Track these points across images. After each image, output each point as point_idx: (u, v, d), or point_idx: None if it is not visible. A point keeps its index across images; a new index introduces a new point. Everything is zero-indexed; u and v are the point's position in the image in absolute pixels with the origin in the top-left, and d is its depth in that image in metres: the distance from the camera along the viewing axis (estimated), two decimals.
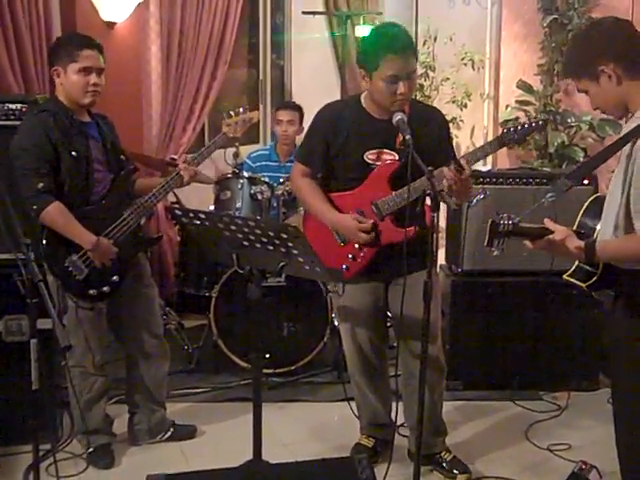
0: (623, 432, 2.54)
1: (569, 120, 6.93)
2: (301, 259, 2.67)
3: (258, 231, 2.66)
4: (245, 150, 5.41)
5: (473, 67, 7.38)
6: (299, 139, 4.83)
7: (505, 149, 7.35)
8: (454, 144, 3.39)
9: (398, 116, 3.03)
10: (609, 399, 4.20)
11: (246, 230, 2.68)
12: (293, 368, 4.45)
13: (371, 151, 3.22)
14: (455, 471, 3.48)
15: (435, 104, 6.41)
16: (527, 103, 7.10)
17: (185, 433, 3.83)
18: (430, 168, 2.95)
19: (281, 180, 4.73)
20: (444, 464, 3.50)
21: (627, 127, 2.46)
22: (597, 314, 4.27)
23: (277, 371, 4.39)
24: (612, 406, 2.57)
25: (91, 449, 3.58)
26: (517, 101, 7.10)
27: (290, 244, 2.62)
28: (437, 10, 7.28)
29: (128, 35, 5.23)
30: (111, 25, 5.13)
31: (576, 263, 2.54)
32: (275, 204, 4.71)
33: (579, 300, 4.22)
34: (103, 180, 3.44)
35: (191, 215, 2.81)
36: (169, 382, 3.87)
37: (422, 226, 3.24)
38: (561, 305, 4.27)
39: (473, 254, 4.25)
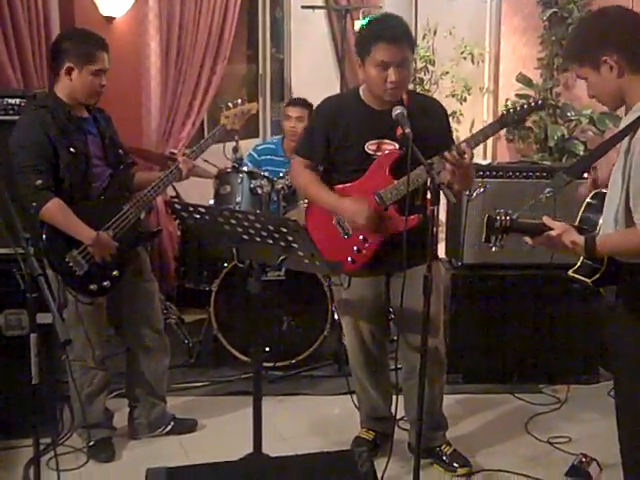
0: (625, 427, 2.54)
1: (569, 114, 6.93)
2: (301, 253, 2.67)
3: (258, 225, 2.66)
4: (245, 144, 5.41)
5: (473, 61, 7.38)
6: None
7: (505, 142, 7.37)
8: (454, 138, 3.38)
9: (398, 110, 3.03)
10: (609, 392, 4.25)
11: (246, 224, 2.68)
12: (293, 362, 4.45)
13: (371, 142, 3.22)
14: (455, 464, 3.48)
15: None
16: (527, 97, 7.08)
17: (185, 427, 3.83)
18: (430, 161, 2.95)
19: (281, 174, 4.72)
20: (444, 457, 3.51)
21: (626, 120, 2.46)
22: (597, 307, 4.27)
23: (277, 365, 4.40)
24: (614, 400, 2.57)
25: (91, 443, 3.59)
26: (517, 95, 7.09)
27: (290, 238, 2.62)
28: (437, 4, 7.28)
29: (127, 30, 5.22)
30: (110, 20, 5.12)
31: (581, 259, 2.54)
32: (275, 198, 4.71)
33: (579, 293, 4.23)
34: (102, 175, 3.44)
35: (191, 209, 2.81)
36: (169, 376, 3.88)
37: (425, 216, 3.23)
38: (561, 298, 4.27)
39: (473, 248, 4.25)
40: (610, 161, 2.54)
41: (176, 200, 4.67)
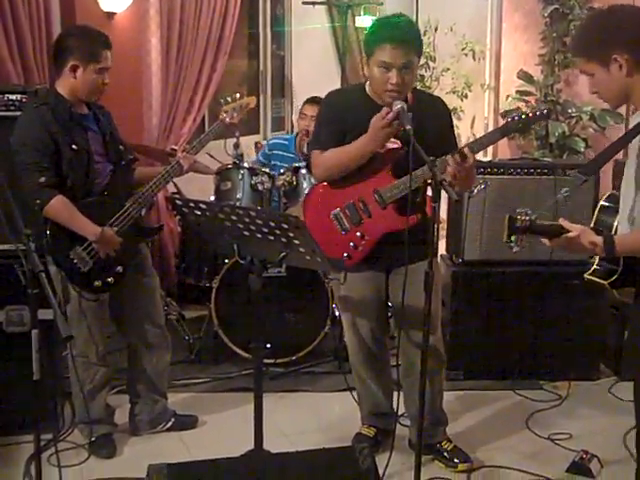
0: None
1: (570, 110, 6.93)
2: (302, 249, 2.67)
3: (259, 221, 2.66)
4: (245, 140, 5.41)
5: (474, 57, 7.37)
6: None
7: (506, 139, 7.35)
8: (455, 134, 3.38)
9: (398, 105, 3.01)
10: (610, 388, 4.26)
11: (247, 220, 2.68)
12: (294, 358, 4.45)
13: None
14: (456, 460, 3.49)
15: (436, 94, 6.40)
16: (528, 93, 7.10)
17: (186, 423, 3.83)
18: (432, 158, 2.95)
19: (282, 170, 4.72)
20: (445, 453, 3.51)
21: (633, 120, 2.43)
22: (598, 304, 4.28)
23: (278, 361, 4.40)
24: (634, 402, 2.53)
25: (93, 439, 3.59)
26: (518, 91, 7.09)
27: (291, 234, 2.62)
28: (438, 0, 7.27)
29: (128, 26, 5.21)
30: (111, 16, 5.11)
31: (596, 261, 2.52)
32: (276, 195, 4.71)
33: (580, 290, 4.23)
34: (103, 171, 3.43)
35: (192, 205, 2.81)
36: (170, 372, 3.88)
37: (424, 215, 3.23)
38: (562, 295, 4.27)
39: (474, 244, 4.25)
40: None
41: (177, 196, 4.67)
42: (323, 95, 3.46)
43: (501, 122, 3.12)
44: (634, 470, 2.57)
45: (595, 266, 2.53)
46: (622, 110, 6.67)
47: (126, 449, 3.66)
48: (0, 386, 3.58)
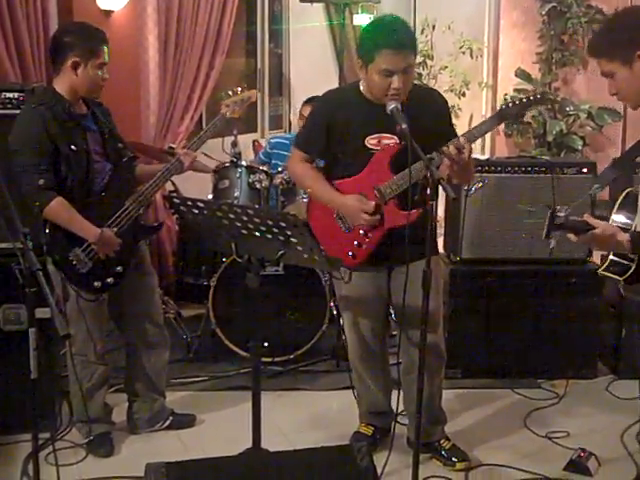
0: None
1: (568, 109, 6.93)
2: (300, 248, 2.67)
3: (257, 219, 2.66)
4: (243, 139, 5.40)
5: (471, 55, 7.36)
6: None
7: (504, 137, 7.36)
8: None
9: (392, 105, 3.02)
10: (607, 387, 4.26)
11: (245, 219, 2.68)
12: (292, 357, 4.45)
13: (371, 136, 3.21)
14: (454, 459, 3.49)
15: None
16: (525, 91, 7.08)
17: (184, 422, 3.83)
18: (429, 156, 2.95)
19: (280, 169, 4.71)
20: (443, 452, 3.51)
21: None
22: (596, 302, 4.28)
23: (276, 360, 4.39)
24: None
25: (91, 437, 3.59)
26: (515, 89, 7.08)
27: (289, 232, 2.62)
28: None
29: (125, 23, 5.21)
30: (108, 13, 5.11)
31: (610, 257, 2.52)
32: (274, 193, 4.70)
33: (578, 288, 4.24)
34: (102, 171, 3.42)
35: (189, 204, 2.81)
36: (168, 371, 3.87)
37: (426, 210, 3.22)
38: (560, 293, 4.27)
39: (472, 242, 4.25)
40: None
41: (175, 195, 4.66)
42: (316, 92, 3.47)
43: (499, 107, 3.12)
44: (632, 468, 2.58)
45: (608, 262, 2.53)
46: (620, 108, 6.68)
47: (124, 448, 3.66)
48: None
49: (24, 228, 2.48)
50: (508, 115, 3.15)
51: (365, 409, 3.66)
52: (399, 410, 3.43)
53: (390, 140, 3.19)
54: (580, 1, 6.86)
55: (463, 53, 7.33)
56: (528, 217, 4.17)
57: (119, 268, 3.43)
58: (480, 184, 4.13)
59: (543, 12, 6.99)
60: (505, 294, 4.29)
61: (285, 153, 5.13)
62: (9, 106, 3.58)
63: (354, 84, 3.34)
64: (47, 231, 3.28)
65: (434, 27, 7.28)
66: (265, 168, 4.68)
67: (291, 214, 2.64)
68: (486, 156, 6.80)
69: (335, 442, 3.49)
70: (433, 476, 3.40)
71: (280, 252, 2.71)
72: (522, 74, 7.07)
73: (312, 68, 6.94)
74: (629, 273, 2.48)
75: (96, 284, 3.38)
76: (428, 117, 3.17)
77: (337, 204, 3.26)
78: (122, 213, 3.38)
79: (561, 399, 4.12)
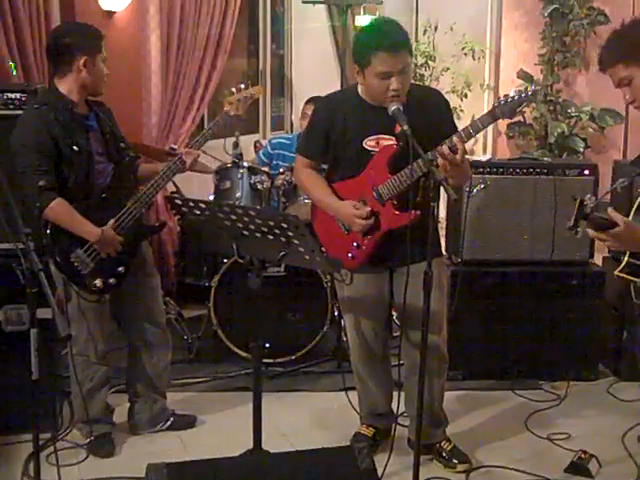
0: None
1: (569, 110, 6.93)
2: (301, 249, 2.67)
3: (258, 221, 2.66)
4: (245, 140, 5.40)
5: (473, 57, 7.36)
6: None
7: (505, 139, 7.36)
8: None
9: (394, 106, 3.03)
10: (608, 388, 4.25)
11: (246, 220, 2.68)
12: (293, 358, 4.44)
13: (370, 138, 3.21)
14: (455, 460, 3.48)
15: None
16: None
17: (185, 423, 3.83)
18: (431, 158, 2.95)
19: (281, 170, 4.71)
20: (444, 454, 3.50)
21: None
22: (597, 304, 4.28)
23: (277, 361, 4.39)
24: None
25: (92, 438, 3.59)
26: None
27: (290, 234, 2.62)
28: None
29: (128, 24, 5.21)
30: (110, 14, 5.11)
31: (626, 259, 2.51)
32: (275, 194, 4.70)
33: (579, 290, 4.24)
34: (104, 171, 3.43)
35: (191, 205, 2.81)
36: (169, 372, 3.87)
37: (425, 211, 3.22)
38: (561, 295, 4.27)
39: (473, 244, 4.25)
40: None
41: (176, 195, 4.66)
42: (318, 93, 3.47)
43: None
44: (633, 469, 2.57)
45: (624, 263, 2.52)
46: (622, 110, 6.68)
47: (125, 448, 3.66)
48: None
49: (26, 228, 2.48)
50: (501, 113, 3.13)
51: (366, 410, 3.66)
52: (400, 412, 3.43)
53: (389, 141, 3.20)
54: (582, 2, 6.86)
55: (465, 54, 7.34)
56: (530, 218, 4.18)
57: (121, 268, 3.43)
58: (482, 186, 4.13)
59: (545, 14, 7.00)
60: (506, 296, 4.29)
61: (287, 153, 5.13)
62: (11, 107, 3.57)
63: (352, 86, 3.35)
64: (48, 232, 3.28)
65: (436, 28, 7.30)
66: (266, 169, 4.68)
67: (293, 215, 2.64)
68: (488, 157, 6.81)
69: (336, 443, 3.50)
70: (434, 477, 3.39)
71: (281, 253, 2.71)
72: (524, 75, 7.07)
73: (314, 69, 6.95)
74: None
75: (98, 284, 3.38)
76: (427, 116, 3.17)
77: (333, 210, 3.29)
78: (124, 213, 3.39)
79: (562, 401, 4.11)
